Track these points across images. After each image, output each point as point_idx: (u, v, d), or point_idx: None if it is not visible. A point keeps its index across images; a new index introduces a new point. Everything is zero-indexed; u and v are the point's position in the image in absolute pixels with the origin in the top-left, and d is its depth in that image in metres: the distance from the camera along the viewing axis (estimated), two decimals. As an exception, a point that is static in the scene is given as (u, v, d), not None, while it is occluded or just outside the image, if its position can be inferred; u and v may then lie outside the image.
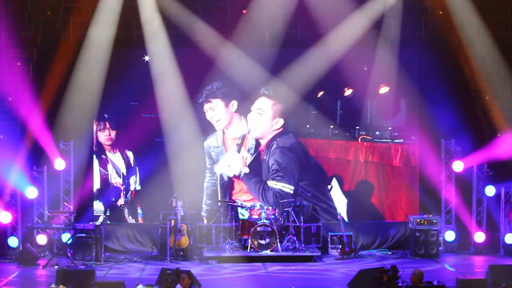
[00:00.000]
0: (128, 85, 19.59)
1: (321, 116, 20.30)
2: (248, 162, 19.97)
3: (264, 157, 20.06)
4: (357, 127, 20.45)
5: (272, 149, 20.08)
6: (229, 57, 19.47)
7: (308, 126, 20.34)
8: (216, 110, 19.94)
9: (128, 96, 19.71)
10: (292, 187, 19.94)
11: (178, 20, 19.32)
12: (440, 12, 19.66)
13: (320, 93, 20.24)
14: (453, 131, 19.69)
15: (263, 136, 20.11)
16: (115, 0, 19.17)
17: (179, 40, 19.43)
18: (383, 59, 19.65)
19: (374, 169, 20.40)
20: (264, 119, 20.02)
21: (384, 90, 20.20)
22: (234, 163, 19.92)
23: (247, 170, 19.91)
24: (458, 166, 19.50)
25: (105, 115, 19.81)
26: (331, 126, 20.39)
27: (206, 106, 19.88)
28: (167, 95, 19.61)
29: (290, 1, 19.26)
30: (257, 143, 20.11)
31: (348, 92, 20.20)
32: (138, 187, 19.96)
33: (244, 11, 19.43)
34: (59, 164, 19.13)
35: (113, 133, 19.90)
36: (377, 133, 20.49)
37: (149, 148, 19.75)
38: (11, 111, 19.18)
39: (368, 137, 20.45)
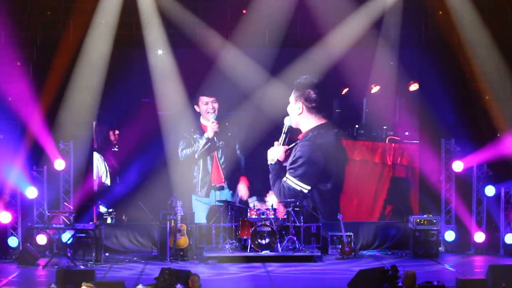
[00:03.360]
0: (129, 85, 19.58)
1: (345, 115, 19.98)
2: (282, 153, 19.87)
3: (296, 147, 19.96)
4: (385, 127, 20.00)
5: (303, 140, 19.91)
6: (229, 57, 19.47)
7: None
8: (217, 103, 19.93)
9: (129, 96, 19.68)
10: (307, 187, 19.73)
11: (178, 20, 19.33)
12: (440, 12, 19.66)
13: (345, 90, 19.90)
14: (453, 131, 19.68)
15: (297, 124, 19.87)
16: (115, 0, 19.17)
17: (179, 40, 19.43)
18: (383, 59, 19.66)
19: (403, 173, 19.99)
20: (290, 106, 19.88)
21: (414, 87, 19.95)
22: (271, 154, 19.87)
23: (272, 162, 19.84)
24: (458, 166, 19.49)
25: (108, 114, 19.80)
26: (356, 126, 20.05)
27: (209, 99, 19.89)
28: (167, 95, 19.61)
29: (290, 1, 19.27)
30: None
31: (374, 89, 19.85)
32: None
33: (244, 11, 19.44)
34: (59, 164, 19.13)
35: (118, 132, 19.93)
36: (406, 133, 20.03)
37: (150, 149, 19.71)
38: (11, 111, 19.17)
39: (397, 138, 19.98)
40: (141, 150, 19.79)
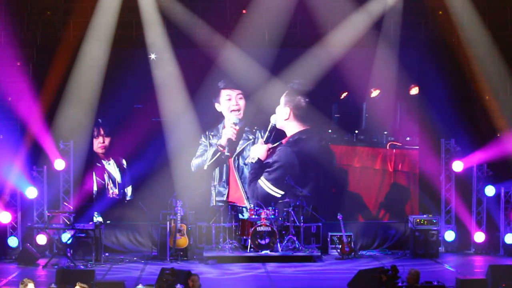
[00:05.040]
0: (129, 86, 19.54)
1: (345, 120, 19.77)
2: (264, 152, 19.69)
3: None
4: (385, 132, 19.77)
5: (284, 144, 19.74)
6: (229, 57, 19.46)
7: (330, 130, 19.82)
8: (243, 100, 19.71)
9: (128, 98, 19.64)
10: (280, 192, 19.53)
11: (178, 20, 19.33)
12: (440, 12, 19.66)
13: (344, 94, 19.71)
14: (453, 131, 19.67)
15: (282, 127, 19.68)
16: (115, 0, 19.17)
17: (179, 40, 19.42)
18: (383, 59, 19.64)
19: (405, 180, 19.84)
20: (279, 108, 19.70)
21: (415, 91, 19.86)
22: (253, 152, 19.71)
23: (252, 160, 19.69)
24: (458, 166, 19.48)
25: (99, 120, 19.70)
26: (356, 131, 19.80)
27: (233, 92, 19.69)
28: (167, 95, 19.59)
29: (290, 1, 19.26)
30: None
31: (374, 93, 19.67)
32: (131, 197, 19.88)
33: (244, 11, 19.43)
34: (59, 164, 19.12)
35: (107, 140, 19.81)
36: (407, 138, 19.84)
37: (150, 150, 19.62)
38: (11, 111, 19.17)
39: (398, 144, 19.75)
40: (139, 153, 19.69)
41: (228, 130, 19.67)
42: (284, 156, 19.76)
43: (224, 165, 19.74)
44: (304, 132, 19.78)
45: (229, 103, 19.71)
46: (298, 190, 19.08)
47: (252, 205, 18.85)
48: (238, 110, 19.68)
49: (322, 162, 19.78)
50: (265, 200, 19.20)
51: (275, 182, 19.66)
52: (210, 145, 19.74)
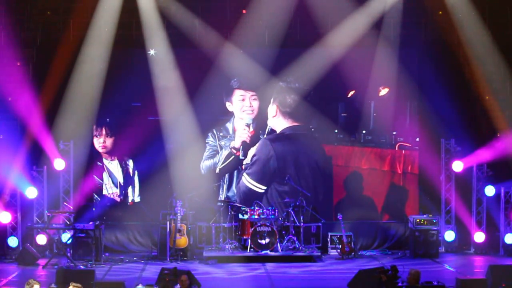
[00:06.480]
0: (129, 86, 19.52)
1: (352, 120, 19.64)
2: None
3: None
4: (394, 133, 19.65)
5: (263, 138, 19.66)
6: (229, 57, 19.45)
7: (336, 131, 19.70)
8: (257, 101, 19.63)
9: (129, 98, 19.62)
10: (262, 187, 19.43)
11: (178, 20, 19.33)
12: (440, 12, 19.66)
13: (351, 93, 19.64)
14: (453, 131, 19.66)
15: (273, 125, 19.55)
16: (115, 0, 19.17)
17: (179, 40, 19.42)
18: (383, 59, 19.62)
19: (415, 182, 19.76)
20: (269, 107, 19.64)
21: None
22: (249, 152, 19.61)
23: (248, 160, 19.68)
24: (458, 166, 19.48)
25: (102, 120, 19.63)
26: (364, 131, 19.64)
27: (247, 93, 19.58)
28: (168, 95, 19.59)
29: (290, 1, 19.26)
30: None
31: (383, 91, 19.66)
32: (137, 199, 19.84)
33: (244, 11, 19.43)
34: (59, 164, 19.12)
35: (109, 141, 19.75)
36: (417, 139, 19.79)
37: (150, 150, 19.61)
38: (11, 111, 19.17)
39: (407, 144, 19.62)
40: (143, 153, 19.68)
41: (241, 133, 19.52)
42: (260, 149, 19.56)
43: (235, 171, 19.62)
44: (292, 128, 19.67)
45: (242, 103, 19.58)
46: (298, 190, 19.09)
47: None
48: (252, 112, 19.57)
49: (314, 159, 19.70)
50: (248, 197, 19.23)
51: (255, 177, 19.53)
52: (220, 146, 19.66)
